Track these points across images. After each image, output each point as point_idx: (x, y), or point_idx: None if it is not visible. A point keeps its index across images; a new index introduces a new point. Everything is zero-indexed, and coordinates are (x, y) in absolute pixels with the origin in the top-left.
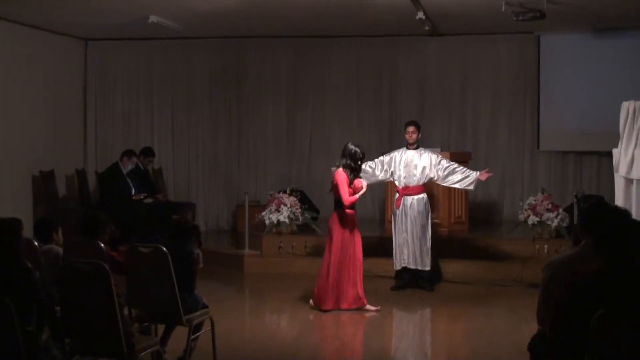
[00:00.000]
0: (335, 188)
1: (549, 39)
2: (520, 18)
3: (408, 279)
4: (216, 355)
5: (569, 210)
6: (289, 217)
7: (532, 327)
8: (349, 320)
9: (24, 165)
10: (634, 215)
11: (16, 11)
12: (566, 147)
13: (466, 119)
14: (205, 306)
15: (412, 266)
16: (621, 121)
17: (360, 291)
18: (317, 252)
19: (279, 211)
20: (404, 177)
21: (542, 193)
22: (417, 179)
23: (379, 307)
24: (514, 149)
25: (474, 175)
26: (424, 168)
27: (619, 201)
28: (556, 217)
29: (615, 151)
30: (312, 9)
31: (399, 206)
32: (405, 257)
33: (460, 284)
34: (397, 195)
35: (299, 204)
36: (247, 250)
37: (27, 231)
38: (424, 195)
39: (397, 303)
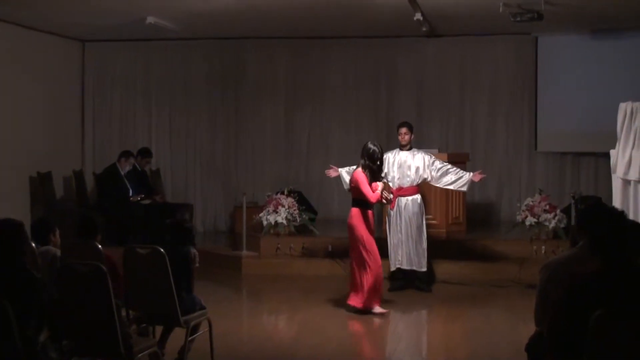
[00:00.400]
0: (355, 188)
1: (547, 40)
2: (518, 19)
3: (403, 280)
4: (214, 356)
5: (566, 211)
6: (286, 218)
7: (530, 328)
8: (347, 321)
9: (22, 166)
10: (631, 216)
11: (14, 12)
12: (564, 148)
13: (464, 120)
14: (202, 307)
15: (406, 267)
16: (619, 122)
17: None
18: (315, 253)
19: (276, 212)
20: (398, 178)
21: (540, 194)
22: (410, 179)
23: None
24: (512, 150)
25: (467, 176)
26: (417, 169)
27: (617, 202)
28: (554, 218)
29: (612, 152)
30: (311, 9)
31: (393, 207)
32: (400, 258)
33: (458, 285)
34: (390, 196)
35: (296, 205)
36: (244, 252)
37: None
38: (418, 196)
39: (395, 304)
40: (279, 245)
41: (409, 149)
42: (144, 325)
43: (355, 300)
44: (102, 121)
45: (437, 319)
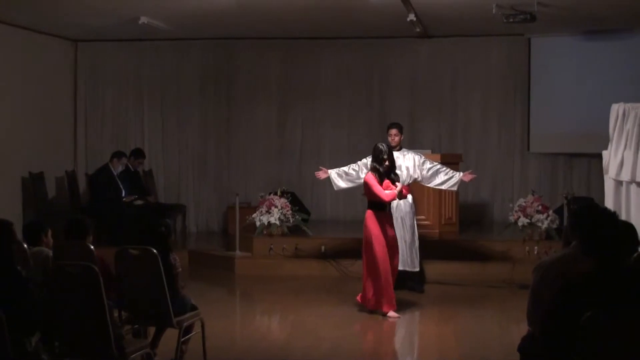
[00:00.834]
0: (368, 190)
1: (540, 41)
2: (511, 20)
3: (396, 280)
4: (206, 357)
5: (559, 211)
6: (279, 218)
7: (522, 329)
8: (340, 322)
9: (14, 166)
10: (623, 217)
11: (6, 12)
12: (556, 149)
13: (457, 121)
14: (194, 308)
15: (399, 267)
16: (611, 123)
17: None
18: (308, 254)
19: (269, 213)
20: None
21: (533, 195)
22: (401, 180)
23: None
24: (505, 151)
25: (457, 176)
26: (407, 169)
27: (609, 203)
28: (546, 218)
29: (605, 153)
30: (304, 10)
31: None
32: None
33: (451, 285)
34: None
35: (289, 205)
36: (237, 252)
37: (16, 233)
38: (409, 196)
39: None
40: (272, 246)
41: (399, 150)
42: (137, 326)
43: (362, 299)
44: (94, 121)
45: (429, 320)
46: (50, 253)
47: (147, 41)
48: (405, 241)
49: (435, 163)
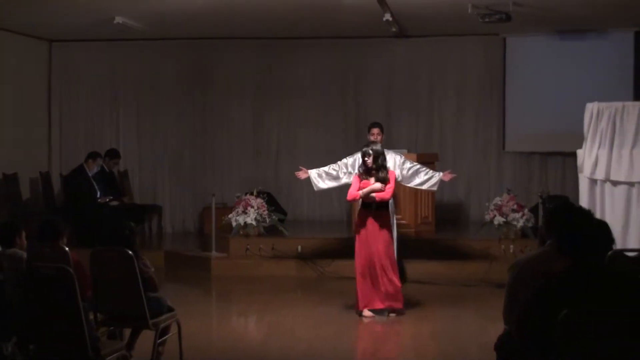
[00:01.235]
0: None
1: (515, 40)
2: (487, 20)
3: None
4: (183, 359)
5: (534, 210)
6: (256, 219)
7: (498, 327)
8: (317, 322)
9: None
10: (598, 215)
11: None
12: (531, 148)
13: (433, 120)
14: (171, 309)
15: None
16: (585, 122)
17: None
18: (285, 254)
19: (246, 213)
20: None
21: (508, 193)
22: None
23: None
24: (480, 150)
25: (437, 176)
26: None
27: (584, 201)
28: (522, 217)
29: (579, 152)
30: (279, 10)
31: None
32: None
33: (427, 284)
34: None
35: (266, 205)
36: (214, 253)
37: None
38: None
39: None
40: (248, 246)
41: None
42: (112, 328)
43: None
44: (69, 122)
45: (406, 319)
46: (25, 255)
47: (122, 41)
48: None
49: (415, 163)
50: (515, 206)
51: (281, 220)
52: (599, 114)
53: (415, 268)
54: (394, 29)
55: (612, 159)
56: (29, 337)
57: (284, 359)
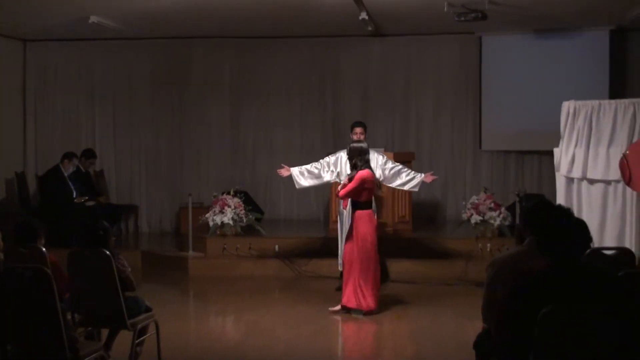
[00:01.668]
0: None
1: (491, 39)
2: (462, 19)
3: None
4: (161, 359)
5: (511, 209)
6: (233, 218)
7: (476, 325)
8: (295, 321)
9: None
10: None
11: None
12: (508, 146)
13: (409, 119)
14: (148, 309)
15: None
16: (562, 121)
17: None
18: (262, 253)
19: (222, 213)
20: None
21: (485, 192)
22: None
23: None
24: (457, 149)
25: (418, 177)
26: None
27: (560, 200)
28: (498, 216)
29: (556, 151)
30: (255, 9)
31: (345, 206)
32: None
33: (405, 283)
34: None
35: (243, 205)
36: (191, 252)
37: None
38: None
39: None
40: (225, 246)
41: None
42: (90, 328)
43: None
44: (44, 122)
45: (384, 318)
46: (2, 256)
47: (97, 40)
48: None
49: (397, 163)
50: (492, 205)
51: (258, 220)
52: (575, 113)
53: (393, 267)
54: (370, 28)
55: (588, 157)
56: (6, 338)
57: (262, 358)
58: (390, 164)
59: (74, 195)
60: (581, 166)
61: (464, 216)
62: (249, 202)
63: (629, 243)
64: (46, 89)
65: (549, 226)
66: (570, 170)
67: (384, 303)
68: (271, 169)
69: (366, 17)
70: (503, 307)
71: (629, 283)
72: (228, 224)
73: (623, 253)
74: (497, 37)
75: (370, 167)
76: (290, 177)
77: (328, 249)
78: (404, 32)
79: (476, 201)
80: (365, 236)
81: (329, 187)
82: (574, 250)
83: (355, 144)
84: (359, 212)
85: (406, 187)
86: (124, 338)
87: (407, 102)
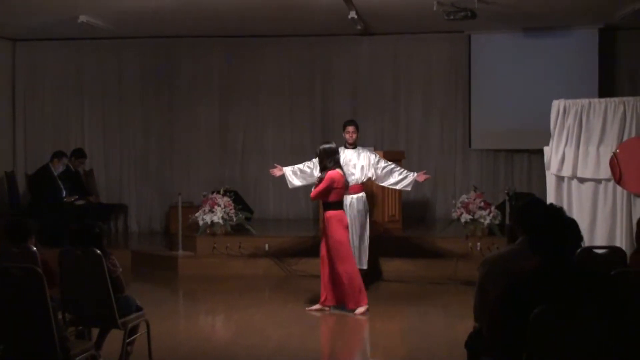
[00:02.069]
0: None
1: (480, 38)
2: (452, 17)
3: None
4: (152, 358)
5: (501, 208)
6: (222, 217)
7: (466, 324)
8: (285, 320)
9: None
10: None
11: None
12: (497, 145)
13: (399, 118)
14: (139, 309)
15: None
16: (552, 120)
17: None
18: (252, 252)
19: (212, 212)
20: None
21: (475, 191)
22: (355, 178)
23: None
24: (446, 148)
25: (411, 176)
26: (362, 167)
27: (550, 198)
28: (489, 214)
29: (546, 149)
30: (244, 8)
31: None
32: None
33: (395, 282)
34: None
35: (232, 204)
36: (180, 252)
37: None
38: (362, 194)
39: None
40: (215, 245)
41: (354, 148)
42: (80, 327)
43: None
44: (34, 121)
45: (374, 317)
46: None
47: (86, 40)
48: (355, 238)
49: (389, 162)
50: (482, 204)
51: (248, 219)
52: (565, 111)
53: (383, 266)
54: (359, 27)
55: (578, 156)
56: None
57: (252, 357)
58: (382, 163)
59: (64, 195)
60: (571, 165)
61: (454, 215)
62: (239, 201)
63: (619, 242)
64: (35, 88)
65: (541, 225)
66: (560, 169)
67: (375, 302)
68: (261, 168)
69: (355, 16)
70: (495, 307)
71: (621, 282)
72: (218, 223)
73: (614, 252)
74: (487, 36)
75: (340, 167)
76: (281, 177)
77: (318, 248)
78: (393, 31)
79: (466, 200)
80: (334, 236)
81: None
82: (565, 249)
83: (324, 145)
84: (328, 213)
85: (399, 187)
86: (115, 337)
87: (397, 101)
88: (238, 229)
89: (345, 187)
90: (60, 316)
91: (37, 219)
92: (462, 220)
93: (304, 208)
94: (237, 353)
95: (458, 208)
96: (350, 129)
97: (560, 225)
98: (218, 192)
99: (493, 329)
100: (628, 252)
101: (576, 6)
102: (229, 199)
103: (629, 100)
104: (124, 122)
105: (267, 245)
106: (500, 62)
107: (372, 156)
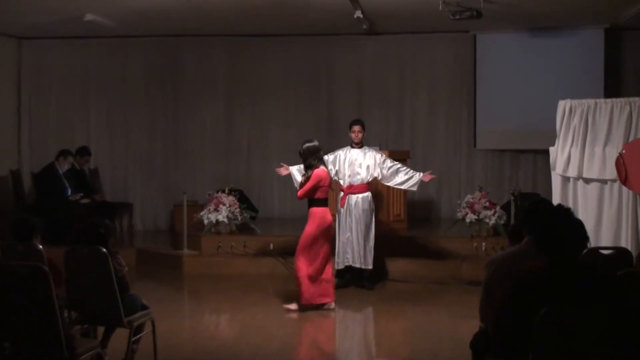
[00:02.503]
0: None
1: (485, 37)
2: (457, 17)
3: (350, 278)
4: (157, 357)
5: (506, 208)
6: (227, 216)
7: (471, 324)
8: (289, 320)
9: None
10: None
11: None
12: (502, 145)
13: (404, 118)
14: (145, 307)
15: (356, 265)
16: (558, 120)
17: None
18: (257, 251)
19: (217, 211)
20: (349, 176)
21: (480, 191)
22: (361, 177)
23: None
24: (451, 148)
25: (417, 176)
26: (368, 167)
27: (556, 199)
28: (494, 215)
29: (552, 149)
30: (249, 7)
31: (343, 205)
32: (349, 256)
33: (400, 282)
34: (341, 194)
35: (237, 203)
36: (185, 251)
37: None
38: (368, 194)
39: (339, 302)
40: (220, 244)
41: (361, 147)
42: (86, 326)
43: None
44: (39, 119)
45: (379, 317)
46: None
47: (92, 38)
48: (360, 238)
49: (395, 162)
50: (487, 204)
51: (253, 218)
52: (571, 111)
53: (388, 266)
54: (364, 26)
55: (584, 156)
56: (3, 336)
57: (257, 356)
58: (388, 163)
59: (69, 193)
60: (577, 165)
61: (459, 215)
62: (244, 201)
63: (624, 243)
64: (41, 86)
65: (549, 225)
66: (566, 169)
67: (379, 302)
68: (265, 167)
69: (361, 16)
70: (501, 307)
71: (627, 283)
72: (223, 222)
73: (620, 253)
74: (492, 36)
75: (325, 165)
76: (287, 176)
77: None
78: (399, 30)
79: (471, 200)
80: (306, 230)
81: None
82: (571, 250)
83: (307, 144)
84: (313, 209)
85: (404, 186)
86: (120, 336)
87: (402, 101)
88: (243, 228)
89: (332, 188)
90: (66, 314)
91: (42, 217)
92: (467, 220)
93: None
94: (242, 352)
95: (463, 208)
96: (356, 128)
97: (568, 225)
98: (223, 191)
99: (499, 330)
100: (634, 253)
101: (581, 7)
102: (234, 198)
103: (635, 100)
104: (129, 121)
105: (271, 245)
106: (505, 62)
107: (378, 156)
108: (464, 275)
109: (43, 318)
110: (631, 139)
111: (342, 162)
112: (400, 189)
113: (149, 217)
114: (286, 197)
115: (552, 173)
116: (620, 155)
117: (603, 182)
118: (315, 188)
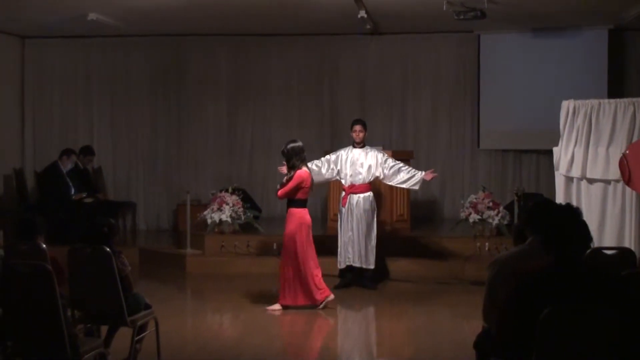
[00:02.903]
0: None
1: (489, 38)
2: (461, 17)
3: (351, 277)
4: (160, 356)
5: (509, 208)
6: (231, 216)
7: (473, 325)
8: (292, 320)
9: None
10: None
11: None
12: (506, 145)
13: (407, 118)
14: (148, 306)
15: (357, 264)
16: (561, 120)
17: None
18: (260, 251)
19: (221, 210)
20: (350, 176)
21: (483, 191)
22: (362, 177)
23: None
24: (455, 148)
25: (419, 175)
26: (369, 166)
27: (560, 199)
28: (497, 215)
29: (555, 150)
30: (253, 7)
31: (345, 204)
32: (351, 256)
33: (403, 282)
34: (343, 193)
35: (241, 203)
36: (188, 250)
37: None
38: (370, 194)
39: (341, 302)
40: (223, 244)
41: (362, 147)
42: (90, 325)
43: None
44: (42, 118)
45: (381, 317)
46: (2, 252)
47: (95, 38)
48: (361, 238)
49: (397, 161)
50: (490, 204)
51: (256, 217)
52: (575, 112)
53: (390, 266)
54: (368, 26)
55: (588, 156)
56: (7, 334)
57: (259, 356)
58: (390, 162)
59: (72, 192)
60: (580, 165)
61: (462, 215)
62: (247, 200)
63: (628, 243)
64: (44, 85)
65: (556, 225)
66: (569, 169)
67: (382, 301)
68: (268, 167)
69: (365, 16)
70: (504, 307)
71: (631, 283)
72: (226, 221)
73: (624, 253)
74: (496, 36)
75: (307, 166)
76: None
77: (326, 247)
78: (403, 30)
79: (474, 200)
80: (290, 234)
81: (327, 185)
82: (576, 247)
83: (292, 144)
84: (292, 210)
85: (406, 185)
86: (124, 335)
87: (405, 101)
88: (246, 228)
89: (312, 189)
90: (69, 313)
91: (46, 216)
92: (470, 220)
93: (311, 207)
94: (244, 351)
95: (466, 208)
96: (358, 127)
97: (573, 225)
98: (226, 191)
99: (502, 330)
100: (637, 253)
101: (585, 7)
102: (237, 198)
103: (639, 101)
104: (132, 120)
105: (275, 244)
106: (509, 62)
107: (380, 155)
108: (467, 275)
109: (46, 317)
110: (635, 139)
111: (343, 162)
112: (403, 189)
113: (152, 216)
114: None
115: (556, 173)
116: (624, 156)
117: (606, 182)
118: (297, 189)
